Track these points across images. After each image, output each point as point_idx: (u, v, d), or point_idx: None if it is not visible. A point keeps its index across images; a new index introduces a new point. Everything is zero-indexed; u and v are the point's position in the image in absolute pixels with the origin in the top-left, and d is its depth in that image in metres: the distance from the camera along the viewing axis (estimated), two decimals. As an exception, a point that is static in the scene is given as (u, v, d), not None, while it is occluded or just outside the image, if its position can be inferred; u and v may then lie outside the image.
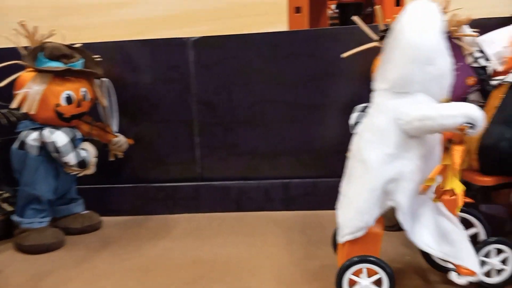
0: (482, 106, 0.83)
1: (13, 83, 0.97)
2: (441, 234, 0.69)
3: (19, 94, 0.95)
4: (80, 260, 0.93)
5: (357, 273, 0.69)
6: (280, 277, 0.81)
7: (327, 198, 1.15)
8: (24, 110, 0.95)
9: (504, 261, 0.73)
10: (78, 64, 1.00)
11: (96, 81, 1.06)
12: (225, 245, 0.96)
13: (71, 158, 0.97)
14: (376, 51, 0.97)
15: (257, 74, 1.15)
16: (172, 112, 1.18)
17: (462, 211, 0.74)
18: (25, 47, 0.99)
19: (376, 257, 0.69)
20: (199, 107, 1.17)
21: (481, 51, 0.88)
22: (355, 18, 0.94)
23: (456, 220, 0.70)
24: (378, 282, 0.69)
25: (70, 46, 1.02)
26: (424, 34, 0.66)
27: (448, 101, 0.69)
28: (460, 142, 0.63)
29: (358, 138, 0.72)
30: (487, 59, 0.87)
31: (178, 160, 1.19)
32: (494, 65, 0.86)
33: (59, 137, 0.96)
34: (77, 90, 0.99)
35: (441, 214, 0.71)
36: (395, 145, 0.67)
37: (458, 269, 0.68)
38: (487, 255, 0.72)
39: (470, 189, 0.79)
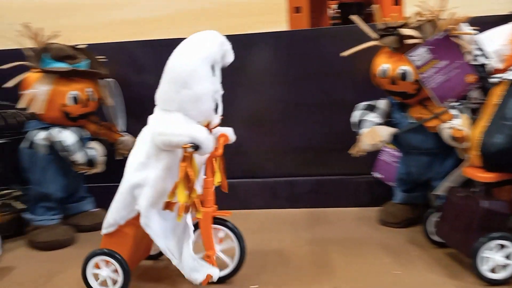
0: (482, 104, 0.85)
1: (19, 84, 0.98)
2: (181, 240, 0.77)
3: (26, 94, 0.97)
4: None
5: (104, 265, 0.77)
6: (285, 272, 0.83)
7: (331, 196, 1.17)
8: (31, 110, 0.97)
9: (508, 257, 0.75)
10: (83, 64, 1.01)
11: (101, 82, 1.07)
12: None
13: (79, 157, 0.98)
14: (376, 50, 0.99)
15: (258, 74, 1.16)
16: (176, 111, 1.19)
17: (219, 223, 0.80)
18: (30, 48, 1.00)
19: (111, 251, 0.76)
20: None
21: (480, 49, 0.89)
22: (354, 17, 0.95)
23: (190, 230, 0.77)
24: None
25: (74, 47, 1.04)
26: (184, 60, 0.72)
27: (208, 124, 0.75)
28: (185, 159, 0.70)
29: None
30: (486, 57, 0.89)
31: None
32: (493, 63, 0.87)
33: (67, 137, 0.97)
34: (82, 90, 1.00)
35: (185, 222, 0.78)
36: (146, 155, 0.74)
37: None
38: (491, 251, 0.74)
39: (473, 185, 0.80)
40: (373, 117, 0.92)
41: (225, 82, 1.17)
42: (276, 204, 1.19)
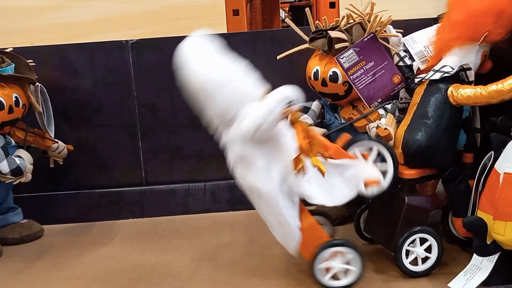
0: (408, 103, 0.88)
1: None
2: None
3: None
4: (16, 271, 0.90)
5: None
6: (218, 278, 0.82)
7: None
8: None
9: (428, 250, 0.77)
10: (7, 69, 0.97)
11: (30, 87, 1.03)
12: (167, 248, 0.96)
13: (3, 166, 0.93)
14: (310, 52, 1.00)
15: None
16: (113, 116, 1.16)
17: None
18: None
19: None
20: (140, 110, 1.16)
21: (406, 51, 0.92)
22: (288, 20, 0.96)
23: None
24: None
25: None
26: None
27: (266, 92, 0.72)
28: (294, 122, 0.70)
29: None
30: (411, 58, 0.92)
31: (121, 165, 1.18)
32: (416, 63, 0.90)
33: (-11, 145, 0.93)
34: (7, 96, 0.95)
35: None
36: (262, 157, 0.72)
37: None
38: (412, 244, 0.77)
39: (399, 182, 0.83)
40: (304, 118, 0.93)
41: (163, 85, 1.16)
42: (217, 208, 1.18)
